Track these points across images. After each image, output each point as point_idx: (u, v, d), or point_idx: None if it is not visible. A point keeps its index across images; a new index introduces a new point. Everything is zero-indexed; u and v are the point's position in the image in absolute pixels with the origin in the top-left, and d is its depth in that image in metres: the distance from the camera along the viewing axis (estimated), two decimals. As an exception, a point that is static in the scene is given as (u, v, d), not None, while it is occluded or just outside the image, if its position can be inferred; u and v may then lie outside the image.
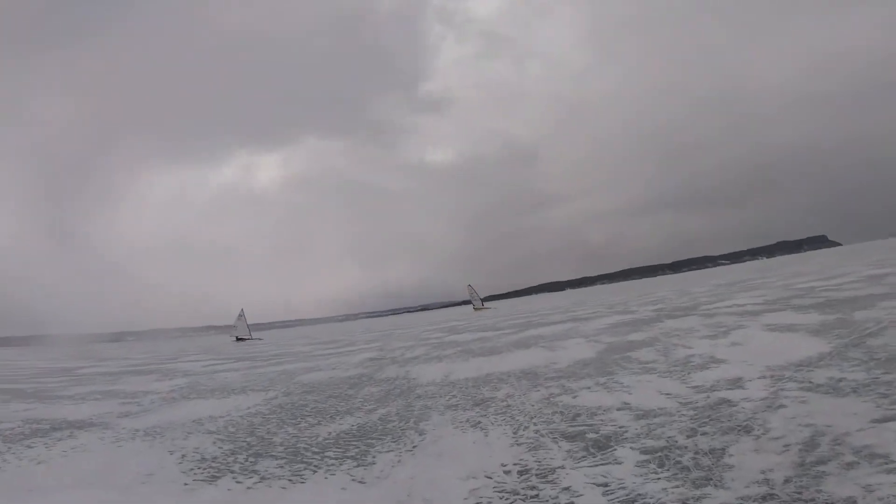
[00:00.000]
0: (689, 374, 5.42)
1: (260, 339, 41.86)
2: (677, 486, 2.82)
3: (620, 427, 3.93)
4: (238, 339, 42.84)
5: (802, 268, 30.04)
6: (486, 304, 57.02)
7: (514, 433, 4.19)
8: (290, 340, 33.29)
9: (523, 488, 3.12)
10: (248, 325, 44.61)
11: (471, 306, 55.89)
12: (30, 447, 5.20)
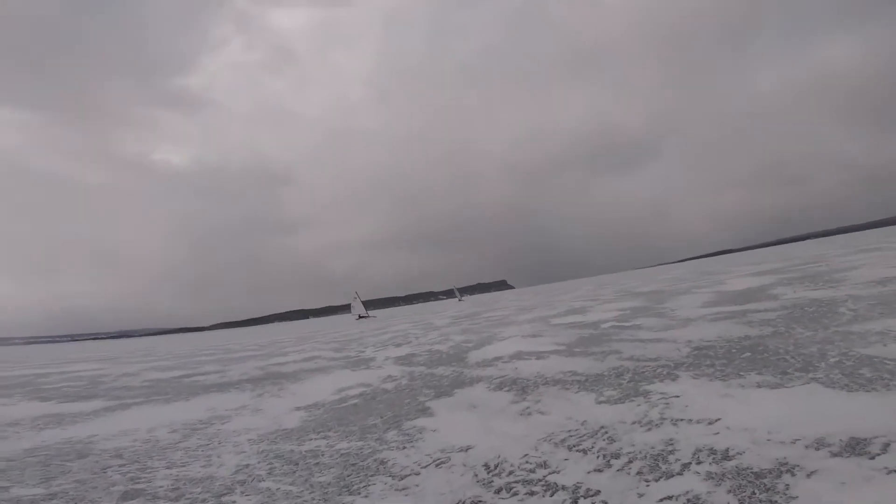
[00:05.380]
0: None
1: (374, 317, 42.21)
2: None
3: None
4: (360, 317, 43.21)
5: (510, 304, 30.37)
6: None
7: None
8: None
9: None
10: (363, 304, 45.65)
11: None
12: None
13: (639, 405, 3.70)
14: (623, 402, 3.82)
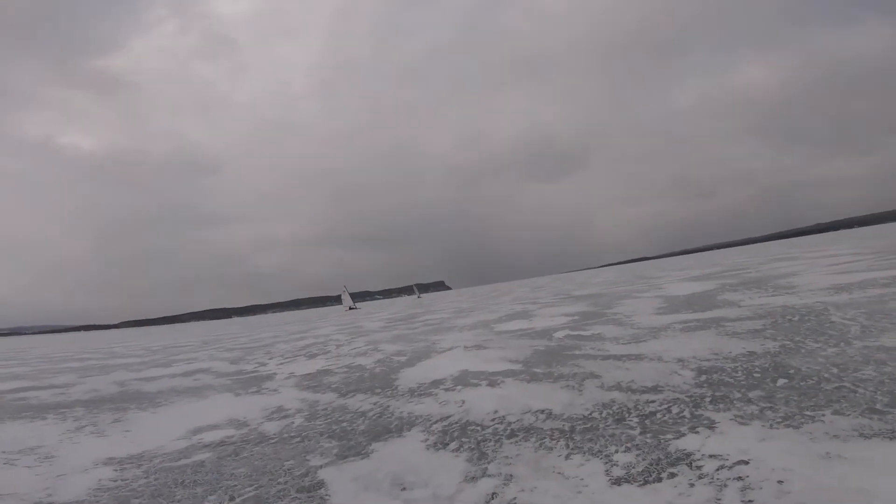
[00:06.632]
0: None
1: (359, 309, 45.21)
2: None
3: None
4: (350, 309, 44.99)
5: (448, 305, 29.00)
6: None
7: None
8: None
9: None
10: (351, 297, 47.72)
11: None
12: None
13: (692, 484, 2.10)
14: (660, 480, 2.19)
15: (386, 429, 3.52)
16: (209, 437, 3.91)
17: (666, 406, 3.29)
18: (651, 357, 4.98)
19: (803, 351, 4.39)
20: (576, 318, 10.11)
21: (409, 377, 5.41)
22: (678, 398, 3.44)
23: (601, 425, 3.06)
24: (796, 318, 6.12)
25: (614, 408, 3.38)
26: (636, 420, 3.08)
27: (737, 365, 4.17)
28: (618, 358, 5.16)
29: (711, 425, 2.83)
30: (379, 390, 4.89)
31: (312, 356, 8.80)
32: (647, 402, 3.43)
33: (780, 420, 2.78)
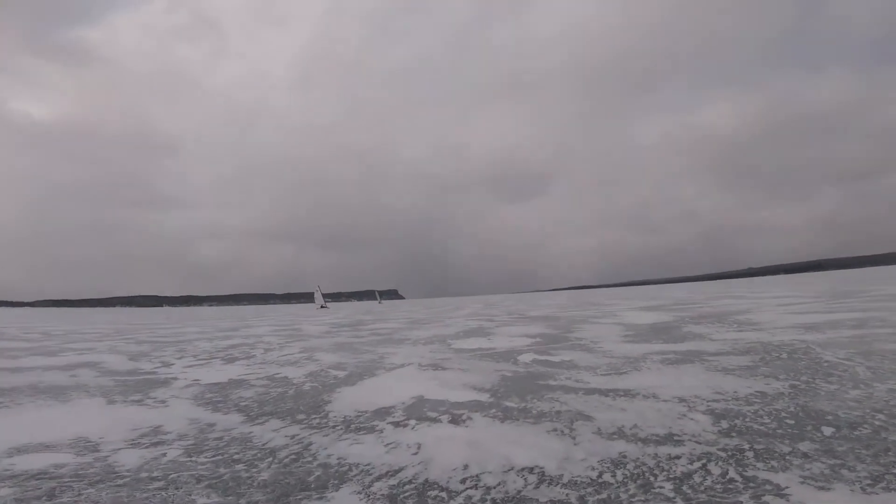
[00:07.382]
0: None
1: (329, 308, 46.00)
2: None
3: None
4: (321, 307, 45.83)
5: (402, 315, 27.72)
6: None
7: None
8: None
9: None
10: (322, 296, 48.96)
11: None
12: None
13: None
14: None
15: (301, 482, 2.33)
16: (28, 462, 2.55)
17: (700, 464, 2.38)
18: (644, 394, 4.13)
19: (822, 393, 3.70)
20: (538, 340, 9.29)
21: (347, 400, 4.20)
22: (709, 452, 2.55)
23: (622, 494, 2.08)
24: (784, 356, 5.57)
25: (629, 466, 2.42)
26: (669, 485, 2.14)
27: (756, 408, 3.39)
28: (604, 393, 4.26)
29: (780, 492, 1.94)
30: (302, 416, 3.65)
31: (231, 360, 7.27)
32: (671, 457, 2.51)
33: (869, 482, 1.96)
